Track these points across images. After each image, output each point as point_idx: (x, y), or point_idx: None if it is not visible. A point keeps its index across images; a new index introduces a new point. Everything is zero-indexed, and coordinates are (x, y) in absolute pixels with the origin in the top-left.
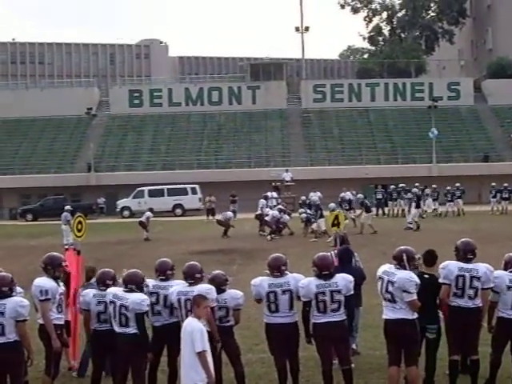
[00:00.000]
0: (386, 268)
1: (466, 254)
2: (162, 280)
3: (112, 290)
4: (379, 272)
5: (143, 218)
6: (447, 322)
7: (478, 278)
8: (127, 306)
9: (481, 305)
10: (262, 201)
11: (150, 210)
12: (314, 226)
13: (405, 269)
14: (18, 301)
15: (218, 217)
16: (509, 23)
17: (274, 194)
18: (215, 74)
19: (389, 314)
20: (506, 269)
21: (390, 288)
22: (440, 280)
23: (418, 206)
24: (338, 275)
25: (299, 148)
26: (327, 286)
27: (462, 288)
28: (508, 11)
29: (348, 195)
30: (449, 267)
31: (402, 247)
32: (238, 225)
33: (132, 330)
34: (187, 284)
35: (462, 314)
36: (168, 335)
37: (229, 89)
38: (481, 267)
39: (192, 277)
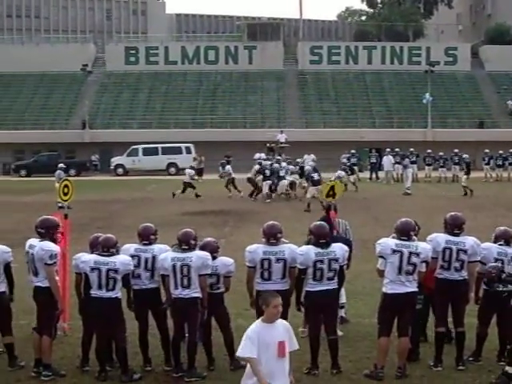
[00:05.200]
0: (396, 241)
1: (453, 228)
2: (144, 245)
3: (89, 256)
4: (391, 246)
5: (187, 178)
6: (434, 294)
7: (465, 251)
8: (117, 269)
9: (467, 277)
10: (256, 166)
11: (192, 167)
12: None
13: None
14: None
15: (248, 175)
16: None
17: (263, 156)
18: (212, 32)
19: (398, 288)
20: (495, 242)
21: (414, 259)
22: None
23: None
24: (334, 244)
25: (294, 109)
26: (325, 254)
27: (449, 261)
28: None
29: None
30: (436, 239)
31: (404, 220)
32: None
33: (117, 293)
34: (180, 250)
35: (448, 286)
36: (148, 299)
37: (225, 48)
38: (468, 240)
39: (187, 243)
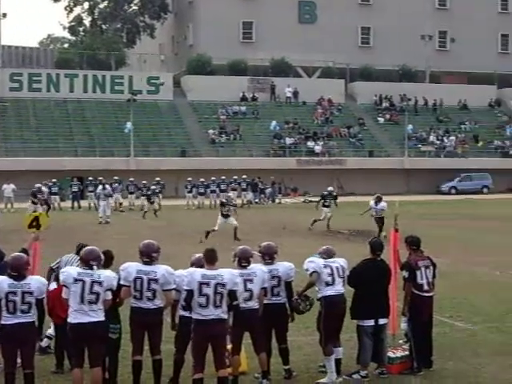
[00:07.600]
0: (79, 270)
1: (145, 256)
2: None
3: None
4: (73, 275)
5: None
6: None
7: (156, 281)
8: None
9: (162, 305)
10: None
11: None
12: None
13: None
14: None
15: None
16: (209, 20)
17: None
18: None
19: (82, 317)
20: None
21: (97, 288)
22: (120, 282)
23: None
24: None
25: None
26: (19, 286)
27: (140, 290)
28: (208, 8)
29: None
30: (127, 269)
31: (90, 248)
32: None
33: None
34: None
35: (142, 314)
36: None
37: None
38: (160, 269)
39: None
